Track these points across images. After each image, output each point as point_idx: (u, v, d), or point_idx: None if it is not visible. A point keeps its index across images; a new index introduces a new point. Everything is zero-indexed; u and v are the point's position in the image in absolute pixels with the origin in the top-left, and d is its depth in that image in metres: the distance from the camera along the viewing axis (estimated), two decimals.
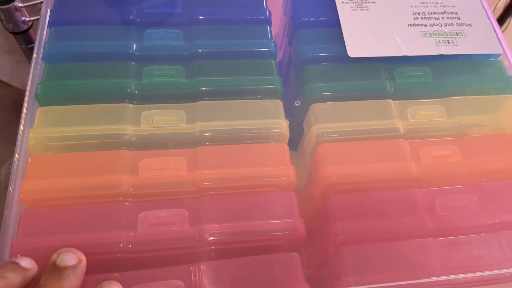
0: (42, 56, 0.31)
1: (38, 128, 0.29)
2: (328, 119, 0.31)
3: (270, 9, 0.35)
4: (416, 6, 0.34)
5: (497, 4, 0.60)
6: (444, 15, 0.34)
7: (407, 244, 0.27)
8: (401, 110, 0.31)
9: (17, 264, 0.23)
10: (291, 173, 0.29)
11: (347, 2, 0.34)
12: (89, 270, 0.25)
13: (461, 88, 0.32)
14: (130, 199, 0.27)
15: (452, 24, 0.34)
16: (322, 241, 0.29)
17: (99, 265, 0.26)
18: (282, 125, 0.30)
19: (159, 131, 0.29)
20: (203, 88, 0.31)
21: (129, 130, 0.29)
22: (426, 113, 0.31)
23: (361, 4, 0.34)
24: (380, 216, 0.28)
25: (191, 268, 0.26)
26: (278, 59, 0.41)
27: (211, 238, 0.26)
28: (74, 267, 0.24)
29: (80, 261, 0.24)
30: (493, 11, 0.69)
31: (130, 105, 0.30)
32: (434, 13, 0.34)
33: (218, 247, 0.27)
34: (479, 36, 0.33)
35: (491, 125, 0.31)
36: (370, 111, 0.31)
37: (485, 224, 0.27)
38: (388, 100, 0.31)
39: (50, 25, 0.33)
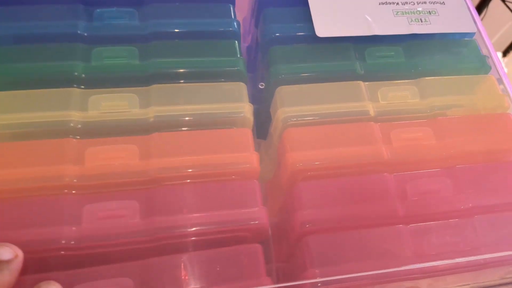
0: None
1: None
2: (295, 102, 0.29)
3: None
4: None
5: None
6: None
7: (377, 232, 0.25)
8: (371, 92, 0.29)
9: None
10: (254, 160, 0.27)
11: None
12: (28, 269, 0.23)
13: (434, 68, 0.31)
14: (74, 191, 0.25)
15: (425, 2, 0.32)
16: (288, 230, 0.27)
17: (39, 263, 0.24)
18: (245, 109, 0.28)
19: (108, 117, 0.27)
20: (159, 70, 0.29)
21: (74, 116, 0.27)
22: (398, 94, 0.29)
23: None
24: (349, 202, 0.26)
25: (141, 264, 0.24)
26: (246, 44, 0.39)
27: (164, 232, 0.24)
28: (8, 261, 0.22)
29: (16, 256, 0.22)
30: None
31: (77, 90, 0.28)
32: None
33: (172, 241, 0.25)
34: (452, 15, 0.32)
35: (465, 106, 0.29)
36: (339, 93, 0.29)
37: (459, 209, 0.26)
38: (358, 82, 0.30)
39: None
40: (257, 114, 0.35)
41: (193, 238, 0.25)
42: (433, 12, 0.32)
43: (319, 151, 0.27)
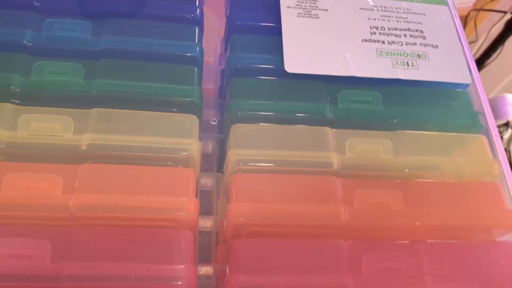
0: None
1: None
2: (250, 145, 0.26)
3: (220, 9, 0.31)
4: (375, 19, 0.29)
5: (490, 30, 0.55)
6: (407, 32, 0.29)
7: None
8: (339, 141, 0.26)
9: None
10: (192, 207, 0.24)
11: (293, 7, 0.29)
12: None
13: (416, 121, 0.27)
14: None
15: (415, 44, 0.29)
16: None
17: None
18: (193, 147, 0.25)
19: (36, 140, 0.24)
20: (103, 93, 0.26)
21: (0, 135, 0.24)
22: (369, 147, 0.26)
23: (310, 11, 0.29)
24: (294, 271, 0.23)
25: None
26: (222, 67, 0.36)
27: (73, 281, 0.21)
28: None
29: None
30: (486, 38, 0.64)
31: (10, 106, 0.25)
32: (396, 28, 0.29)
33: None
34: (445, 61, 0.28)
35: (447, 170, 0.26)
36: (302, 139, 0.26)
37: None
38: (325, 128, 0.26)
39: None
40: (222, 144, 0.32)
41: None
42: (423, 56, 0.28)
43: (269, 204, 0.24)
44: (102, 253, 0.22)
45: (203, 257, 0.28)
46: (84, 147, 0.24)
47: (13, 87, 0.26)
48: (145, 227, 0.23)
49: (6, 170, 0.23)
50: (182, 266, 0.22)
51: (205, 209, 0.29)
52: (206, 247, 0.29)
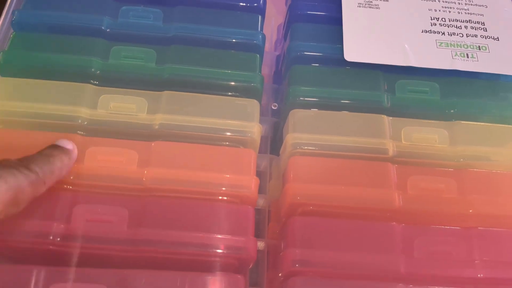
0: (11, 23, 0.31)
1: None
2: (308, 129, 0.28)
3: None
4: (436, 10, 0.31)
5: None
6: (468, 24, 0.30)
7: (371, 286, 0.24)
8: (395, 129, 0.28)
9: (63, 148, 0.25)
10: (253, 185, 0.26)
11: None
12: (12, 259, 0.24)
13: (473, 112, 0.28)
14: (70, 187, 0.26)
15: (475, 36, 0.30)
16: (278, 263, 0.26)
17: (24, 254, 0.25)
18: (254, 130, 0.28)
19: (114, 118, 0.28)
20: (173, 76, 0.29)
21: (83, 113, 0.28)
22: (424, 136, 0.27)
23: (371, 1, 0.31)
24: (347, 248, 0.25)
25: (118, 273, 0.24)
26: (277, 53, 0.38)
27: (147, 245, 0.25)
28: (70, 151, 0.25)
29: (75, 147, 0.26)
30: None
31: (91, 86, 0.29)
32: (457, 20, 0.30)
33: (154, 255, 0.25)
34: (506, 53, 0.29)
35: (502, 161, 0.27)
36: (358, 125, 0.28)
37: (470, 277, 0.24)
38: (382, 116, 0.28)
39: None
40: (276, 128, 0.34)
41: (176, 256, 0.25)
42: (483, 48, 0.29)
43: (324, 186, 0.26)
44: (173, 222, 0.25)
45: (255, 233, 0.30)
46: (156, 126, 0.28)
47: (93, 69, 0.29)
48: (210, 200, 0.26)
49: (88, 144, 0.27)
50: (244, 238, 0.25)
51: (259, 189, 0.32)
52: (257, 224, 0.31)
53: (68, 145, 0.26)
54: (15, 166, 0.22)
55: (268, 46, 0.41)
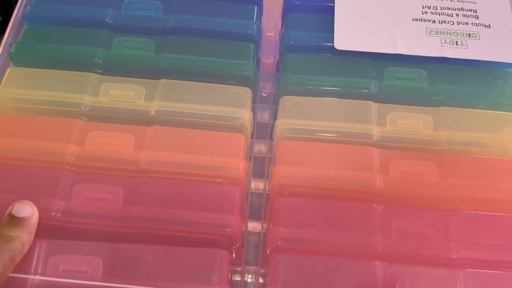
0: (24, 16, 0.35)
1: (4, 87, 0.32)
2: (296, 115, 0.31)
3: None
4: None
5: None
6: (460, 12, 0.32)
7: (348, 263, 0.26)
8: (380, 115, 0.30)
9: (15, 217, 0.25)
10: (241, 167, 0.29)
11: None
12: None
13: (460, 99, 0.30)
14: (72, 168, 0.30)
15: (466, 23, 0.32)
16: (264, 244, 0.29)
17: None
18: (245, 116, 0.31)
19: (114, 105, 0.31)
20: (170, 65, 0.32)
21: (86, 100, 0.31)
22: (409, 121, 0.29)
23: None
24: (328, 227, 0.27)
25: (113, 247, 0.28)
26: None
27: (140, 222, 0.28)
28: (28, 218, 0.26)
29: (33, 213, 0.26)
30: None
31: (94, 75, 0.32)
32: (448, 8, 0.32)
33: (147, 231, 0.28)
34: (496, 40, 0.31)
35: (487, 146, 0.29)
36: (346, 111, 0.30)
37: (445, 258, 0.26)
38: (369, 102, 0.30)
39: None
40: (276, 115, 0.37)
41: (167, 232, 0.28)
42: (474, 35, 0.31)
43: (310, 169, 0.29)
44: (164, 201, 0.28)
45: (256, 216, 0.33)
46: (152, 113, 0.31)
47: (96, 59, 0.33)
48: (200, 181, 0.29)
49: (90, 128, 0.31)
50: (231, 216, 0.28)
51: (259, 173, 0.34)
52: (256, 207, 0.34)
53: (25, 212, 0.25)
54: None
55: (274, 35, 0.43)
